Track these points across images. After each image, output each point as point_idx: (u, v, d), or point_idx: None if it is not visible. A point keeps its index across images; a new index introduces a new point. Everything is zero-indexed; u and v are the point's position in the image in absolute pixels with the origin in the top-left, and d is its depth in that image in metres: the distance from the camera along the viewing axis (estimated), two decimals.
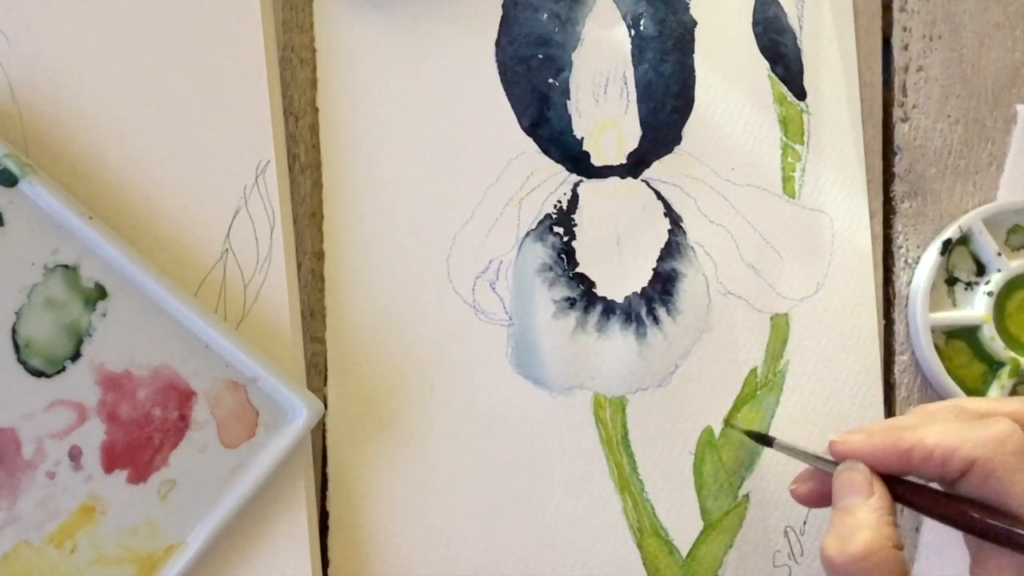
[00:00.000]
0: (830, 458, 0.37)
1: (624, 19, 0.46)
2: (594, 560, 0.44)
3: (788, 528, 0.44)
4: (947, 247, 0.45)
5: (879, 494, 0.35)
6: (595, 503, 0.44)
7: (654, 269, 0.45)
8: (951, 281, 0.46)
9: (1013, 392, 0.45)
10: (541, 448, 0.44)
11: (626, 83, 0.46)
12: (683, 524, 0.44)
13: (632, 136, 0.46)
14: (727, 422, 0.45)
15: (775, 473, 0.45)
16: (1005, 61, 0.47)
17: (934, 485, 0.36)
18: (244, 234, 0.43)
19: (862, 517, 0.34)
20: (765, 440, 0.40)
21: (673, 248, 0.45)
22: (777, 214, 0.46)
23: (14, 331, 0.40)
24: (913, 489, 0.36)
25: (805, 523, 0.44)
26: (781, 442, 0.40)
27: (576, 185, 0.45)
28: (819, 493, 0.38)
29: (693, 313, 0.45)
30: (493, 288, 0.45)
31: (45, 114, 0.42)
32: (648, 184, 0.46)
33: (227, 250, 0.43)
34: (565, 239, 0.45)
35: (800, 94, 0.47)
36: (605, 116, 0.46)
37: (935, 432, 0.35)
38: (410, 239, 0.45)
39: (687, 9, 0.47)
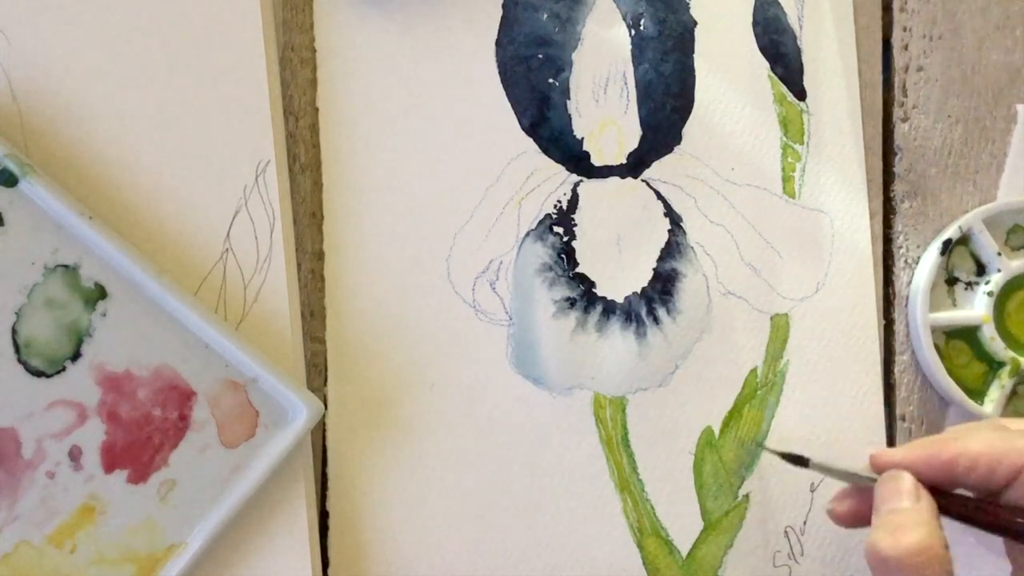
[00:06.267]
0: (869, 474, 0.37)
1: (624, 19, 0.46)
2: (594, 560, 0.44)
3: (788, 528, 0.44)
4: (947, 247, 0.45)
5: (926, 499, 0.34)
6: (595, 503, 0.44)
7: (654, 269, 0.45)
8: (951, 281, 0.46)
9: (1013, 392, 0.45)
10: (541, 448, 0.44)
11: (626, 83, 0.46)
12: (683, 524, 0.44)
13: (632, 136, 0.46)
14: (760, 444, 0.44)
15: (775, 473, 0.45)
16: (1005, 61, 0.47)
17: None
18: (244, 234, 0.43)
19: (912, 516, 0.34)
20: (800, 461, 0.39)
21: (673, 248, 0.45)
22: (777, 214, 0.46)
23: (14, 331, 0.40)
24: (957, 500, 0.35)
25: (805, 523, 0.44)
26: (816, 462, 0.38)
27: (576, 185, 0.45)
28: (859, 512, 0.38)
29: (693, 313, 0.45)
30: (493, 288, 0.45)
31: (45, 114, 0.42)
32: (648, 184, 0.46)
33: (227, 250, 0.43)
34: (565, 239, 0.45)
35: (800, 94, 0.47)
36: (605, 116, 0.46)
37: (980, 441, 0.34)
38: (410, 239, 0.45)
39: (687, 9, 0.47)
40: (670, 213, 0.46)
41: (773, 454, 0.40)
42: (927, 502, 0.34)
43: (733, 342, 0.45)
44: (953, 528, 0.35)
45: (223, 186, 0.43)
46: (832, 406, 0.45)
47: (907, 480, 0.35)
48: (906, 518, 0.34)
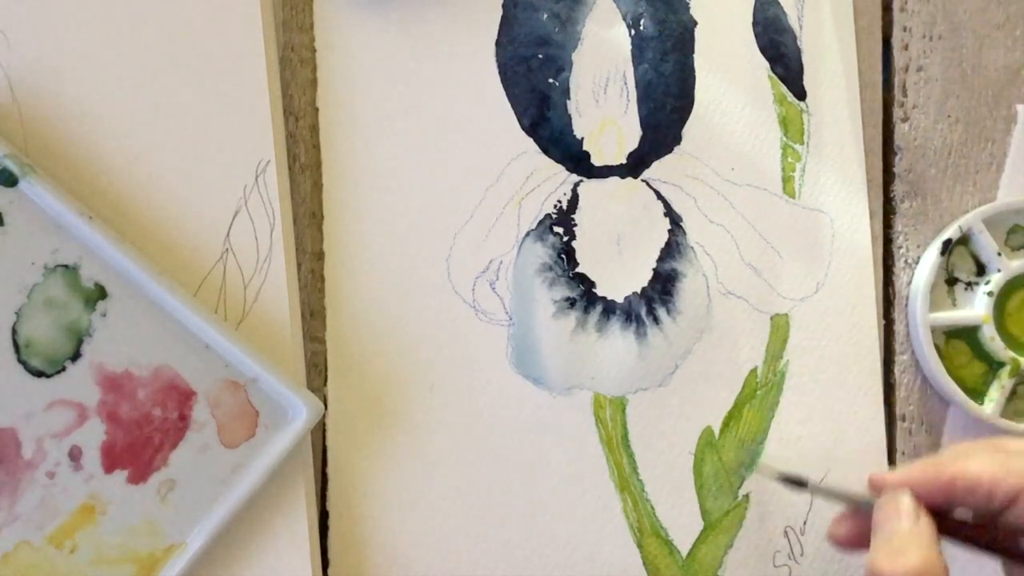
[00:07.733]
0: (867, 497, 0.37)
1: (624, 19, 0.46)
2: (594, 560, 0.44)
3: (788, 528, 0.44)
4: (947, 247, 0.45)
5: (925, 520, 0.34)
6: (595, 503, 0.44)
7: (654, 269, 0.45)
8: (951, 281, 0.46)
9: (1013, 392, 0.45)
10: (541, 448, 0.44)
11: (626, 83, 0.46)
12: (683, 524, 0.44)
13: (632, 136, 0.46)
14: (756, 469, 0.44)
15: None
16: (1005, 61, 0.47)
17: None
18: (244, 234, 0.43)
19: (912, 537, 0.33)
20: (798, 483, 0.40)
21: (673, 248, 0.45)
22: (777, 214, 0.46)
23: (14, 331, 0.40)
24: (955, 521, 0.35)
25: (805, 523, 0.44)
26: (816, 484, 0.39)
27: (576, 185, 0.45)
28: (859, 534, 0.38)
29: (693, 313, 0.45)
30: (493, 288, 0.45)
31: (45, 114, 0.42)
32: (648, 184, 0.46)
33: (227, 250, 0.43)
34: (565, 239, 0.45)
35: (800, 94, 0.47)
36: (605, 116, 0.46)
37: (979, 462, 0.34)
38: (410, 239, 0.45)
39: (687, 9, 0.47)
40: (670, 213, 0.46)
41: (771, 477, 0.40)
42: (926, 523, 0.34)
43: (733, 342, 0.45)
44: (951, 550, 0.35)
45: (223, 186, 0.43)
46: (832, 406, 0.45)
47: (907, 501, 0.35)
48: (905, 539, 0.33)
